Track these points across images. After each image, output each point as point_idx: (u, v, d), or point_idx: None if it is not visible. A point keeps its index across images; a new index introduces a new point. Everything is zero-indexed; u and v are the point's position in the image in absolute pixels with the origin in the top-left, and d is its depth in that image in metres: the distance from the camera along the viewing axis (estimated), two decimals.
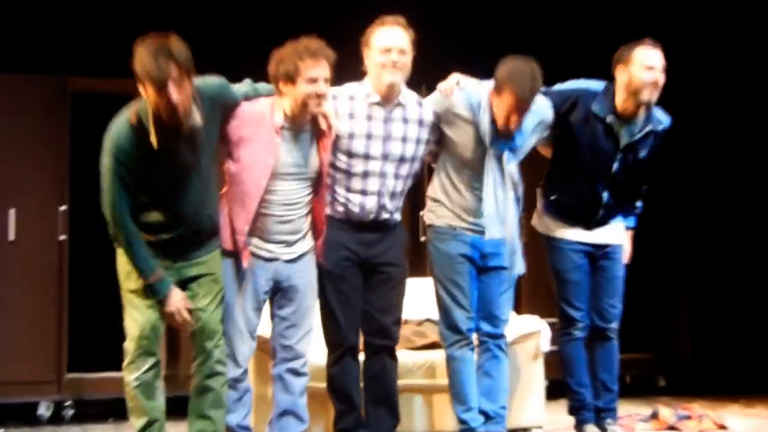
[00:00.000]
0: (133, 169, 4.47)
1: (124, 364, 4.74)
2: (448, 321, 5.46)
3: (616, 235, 5.94)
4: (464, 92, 5.32)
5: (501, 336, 5.56)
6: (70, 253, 7.42)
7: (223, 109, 4.73)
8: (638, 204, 6.01)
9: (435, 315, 6.41)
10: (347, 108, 5.14)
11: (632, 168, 5.74)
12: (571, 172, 5.77)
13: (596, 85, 5.73)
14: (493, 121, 5.27)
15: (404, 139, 5.22)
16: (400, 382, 5.75)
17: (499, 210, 5.39)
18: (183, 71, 4.33)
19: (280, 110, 4.82)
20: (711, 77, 8.85)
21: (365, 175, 5.16)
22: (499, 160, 5.37)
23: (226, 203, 4.89)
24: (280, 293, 4.98)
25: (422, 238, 7.33)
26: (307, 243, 5.02)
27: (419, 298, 6.68)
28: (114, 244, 4.73)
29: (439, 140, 5.41)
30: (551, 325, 6.48)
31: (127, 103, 4.66)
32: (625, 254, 6.02)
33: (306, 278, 4.99)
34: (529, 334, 6.48)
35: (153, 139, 4.40)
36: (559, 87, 5.71)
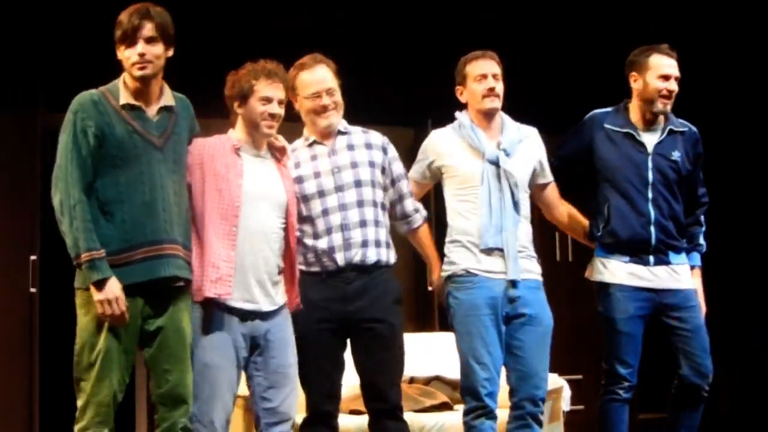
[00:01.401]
0: (94, 140, 4.29)
1: (77, 428, 4.38)
2: (466, 383, 5.12)
3: (683, 278, 5.67)
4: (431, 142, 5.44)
5: (542, 401, 5.24)
6: (40, 307, 7.21)
7: (192, 130, 4.69)
8: (699, 237, 5.84)
9: (444, 372, 6.10)
10: (292, 161, 5.04)
11: (671, 175, 5.57)
12: (612, 195, 5.57)
13: (602, 110, 5.73)
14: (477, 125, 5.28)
15: (354, 165, 5.05)
16: None
17: (493, 217, 5.09)
18: (158, 33, 4.36)
19: (234, 133, 4.81)
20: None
21: (325, 213, 4.96)
22: (496, 165, 5.15)
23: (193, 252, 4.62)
24: (257, 351, 4.72)
25: (429, 288, 7.08)
26: (283, 294, 4.82)
27: (427, 354, 6.59)
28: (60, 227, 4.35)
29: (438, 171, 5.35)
30: (571, 382, 6.43)
31: None
32: (700, 302, 5.80)
33: (285, 332, 4.77)
34: (549, 393, 6.13)
35: (122, 96, 4.36)
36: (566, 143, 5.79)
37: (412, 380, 6.23)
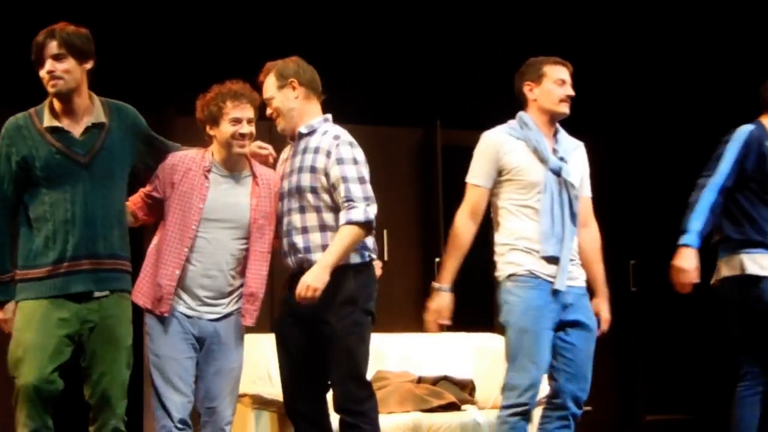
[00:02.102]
0: (16, 165, 4.45)
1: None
2: (514, 380, 4.95)
3: None
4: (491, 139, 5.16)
5: (583, 404, 5.15)
6: None
7: (137, 136, 4.72)
8: None
9: (452, 373, 6.07)
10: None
11: None
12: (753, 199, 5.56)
13: (745, 127, 5.56)
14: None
15: (299, 170, 4.93)
16: None
17: (555, 226, 5.00)
18: (65, 50, 4.42)
19: (210, 154, 4.88)
20: None
21: (280, 216, 4.95)
22: (557, 174, 5.05)
23: (151, 255, 4.85)
24: (202, 351, 4.82)
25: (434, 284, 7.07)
26: (236, 303, 4.87)
27: (435, 354, 6.57)
28: None
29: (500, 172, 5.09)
30: None
31: None
32: None
33: (231, 335, 4.83)
34: None
35: (45, 118, 4.46)
36: (724, 168, 5.53)
37: (420, 380, 6.20)
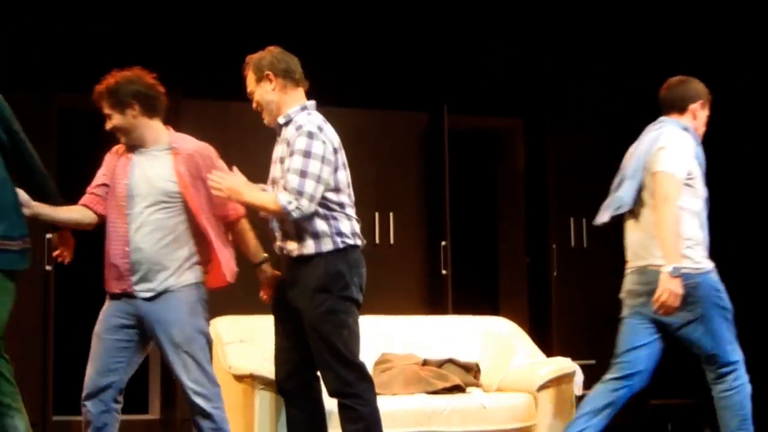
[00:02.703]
0: None
1: None
2: (728, 357, 5.27)
3: None
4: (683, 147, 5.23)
5: None
6: (55, 286, 7.11)
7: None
8: None
9: (457, 355, 6.07)
10: None
11: None
12: None
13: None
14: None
15: (274, 161, 4.98)
16: (419, 428, 5.64)
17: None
18: None
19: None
20: None
21: None
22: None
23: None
24: (149, 329, 4.89)
25: (444, 271, 7.04)
26: (174, 280, 4.87)
27: (440, 337, 6.54)
28: None
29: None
30: (584, 367, 6.33)
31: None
32: None
33: (168, 314, 4.83)
34: (562, 377, 6.20)
35: None
36: None
37: (425, 363, 6.21)
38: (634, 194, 5.23)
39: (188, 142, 4.94)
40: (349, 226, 4.88)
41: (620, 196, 5.27)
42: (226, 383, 5.74)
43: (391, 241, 7.53)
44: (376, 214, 7.54)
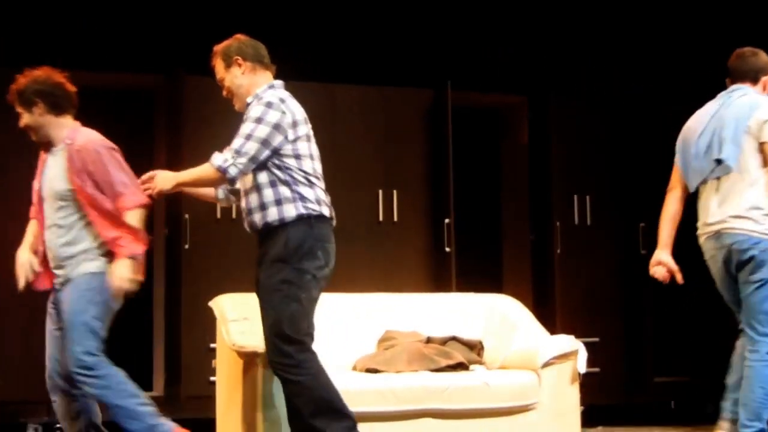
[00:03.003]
0: None
1: None
2: None
3: None
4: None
5: None
6: None
7: None
8: None
9: (461, 333, 6.07)
10: None
11: None
12: None
13: None
14: None
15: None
16: (422, 406, 5.63)
17: None
18: None
19: None
20: None
21: None
22: None
23: None
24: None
25: (447, 248, 7.03)
26: (74, 270, 5.03)
27: (444, 315, 6.54)
28: None
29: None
30: (588, 345, 6.25)
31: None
32: None
33: (67, 303, 5.00)
34: (565, 355, 6.13)
35: None
36: None
37: (428, 340, 6.19)
38: (737, 160, 5.33)
39: (81, 136, 5.04)
40: (313, 193, 4.88)
41: (725, 161, 5.35)
42: (230, 360, 5.75)
43: (395, 219, 7.52)
44: (380, 191, 7.53)
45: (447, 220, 7.44)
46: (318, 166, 4.95)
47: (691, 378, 8.27)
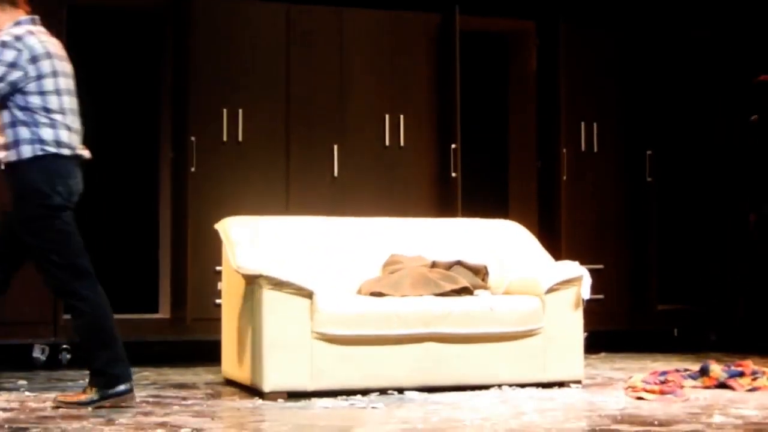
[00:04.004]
0: None
1: None
2: None
3: None
4: None
5: None
6: None
7: None
8: None
9: (466, 258, 6.07)
10: None
11: None
12: None
13: None
14: None
15: None
16: (427, 330, 5.68)
17: None
18: None
19: None
20: None
21: None
22: None
23: None
24: None
25: (454, 173, 7.00)
26: None
27: (449, 239, 6.54)
28: None
29: None
30: (592, 271, 6.29)
31: None
32: None
33: None
34: (570, 281, 6.16)
35: None
36: None
37: (434, 264, 6.20)
38: None
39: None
40: (52, 133, 5.07)
41: None
42: (235, 283, 5.78)
43: (402, 144, 7.49)
44: (386, 116, 7.48)
45: (453, 146, 7.42)
46: (67, 101, 5.13)
47: (694, 306, 8.29)
